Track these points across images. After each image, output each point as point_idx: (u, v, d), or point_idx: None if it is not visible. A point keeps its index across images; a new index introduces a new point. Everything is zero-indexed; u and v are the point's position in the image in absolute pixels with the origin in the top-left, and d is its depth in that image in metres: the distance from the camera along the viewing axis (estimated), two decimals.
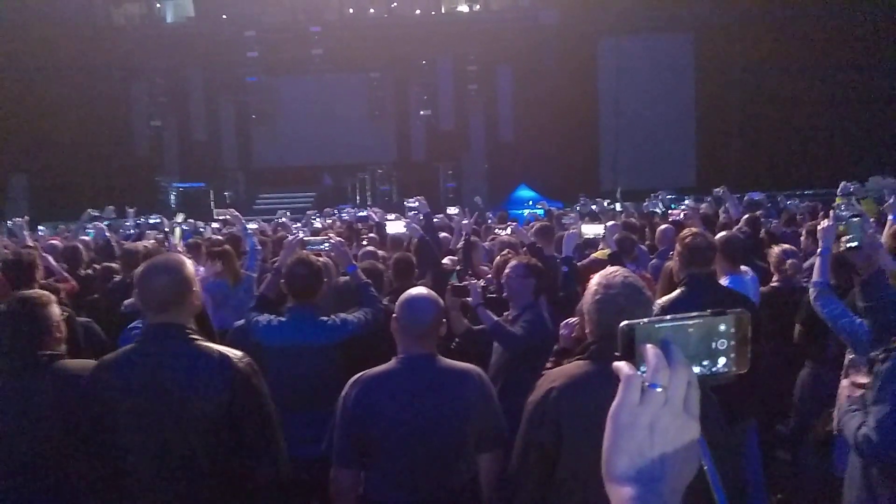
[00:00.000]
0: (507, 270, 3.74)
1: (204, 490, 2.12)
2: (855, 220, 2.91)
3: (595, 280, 2.14)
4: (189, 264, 2.33)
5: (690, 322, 1.44)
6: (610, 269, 2.22)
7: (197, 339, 2.21)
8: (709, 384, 1.46)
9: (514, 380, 3.52)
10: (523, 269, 3.68)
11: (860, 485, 2.28)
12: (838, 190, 6.20)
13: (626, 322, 1.43)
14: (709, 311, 1.47)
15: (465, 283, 3.84)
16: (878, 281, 2.87)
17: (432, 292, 2.53)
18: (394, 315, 2.46)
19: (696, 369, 1.43)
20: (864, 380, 2.39)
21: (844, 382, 2.45)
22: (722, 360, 1.45)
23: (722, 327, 1.44)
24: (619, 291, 2.04)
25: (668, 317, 1.48)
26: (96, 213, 7.86)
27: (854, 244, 2.88)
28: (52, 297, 2.71)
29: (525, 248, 5.16)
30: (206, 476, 2.11)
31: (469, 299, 3.69)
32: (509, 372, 3.56)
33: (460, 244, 5.77)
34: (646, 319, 1.42)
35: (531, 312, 3.60)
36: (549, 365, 2.83)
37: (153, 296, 2.21)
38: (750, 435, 3.55)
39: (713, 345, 1.44)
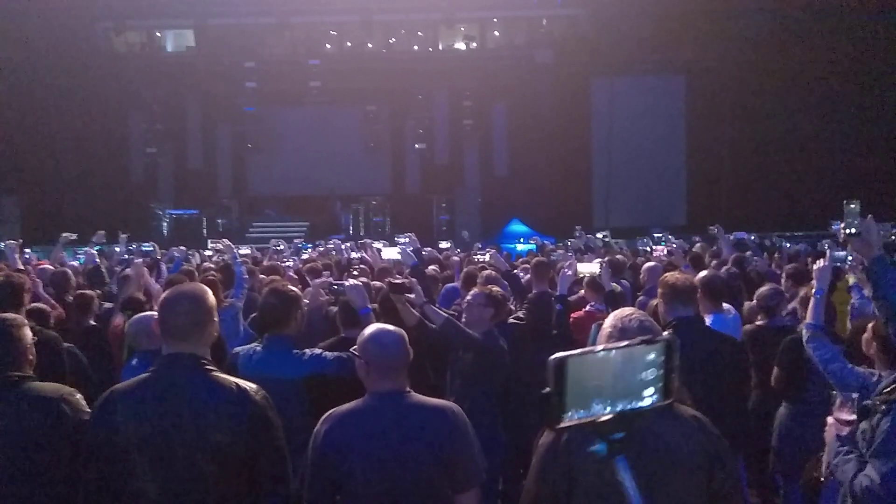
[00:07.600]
0: (467, 297, 3.87)
1: None
2: (853, 206, 2.85)
3: (610, 322, 2.12)
4: (211, 294, 2.33)
5: (618, 351, 1.43)
6: (625, 311, 2.19)
7: (213, 371, 2.21)
8: (636, 417, 1.44)
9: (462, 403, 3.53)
10: (483, 297, 3.86)
11: None
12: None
13: (556, 356, 1.42)
14: (638, 339, 1.47)
15: (405, 280, 3.85)
16: (881, 266, 2.81)
17: (397, 328, 2.48)
18: (358, 356, 2.40)
19: (627, 404, 1.41)
20: (849, 416, 2.37)
21: (830, 420, 2.43)
22: (649, 391, 1.44)
23: (651, 356, 1.45)
24: (636, 335, 1.99)
25: (599, 347, 1.49)
26: (73, 237, 7.76)
27: (852, 230, 2.83)
28: (25, 321, 2.72)
29: (503, 274, 5.30)
30: None
31: (412, 296, 3.59)
32: (463, 395, 3.56)
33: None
34: (576, 351, 1.41)
35: (488, 335, 3.78)
36: None
37: (175, 323, 2.21)
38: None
39: (642, 375, 1.44)
